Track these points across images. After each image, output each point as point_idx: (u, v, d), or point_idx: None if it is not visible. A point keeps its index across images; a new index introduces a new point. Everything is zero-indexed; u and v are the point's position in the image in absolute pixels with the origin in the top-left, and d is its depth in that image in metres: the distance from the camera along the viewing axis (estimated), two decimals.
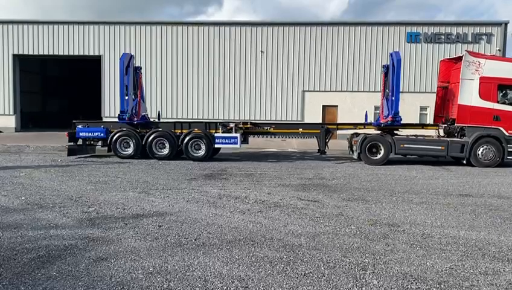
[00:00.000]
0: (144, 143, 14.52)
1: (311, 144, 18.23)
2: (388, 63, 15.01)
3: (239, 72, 25.83)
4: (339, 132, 17.60)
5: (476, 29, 24.88)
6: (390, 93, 14.44)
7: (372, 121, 16.04)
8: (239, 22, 26.58)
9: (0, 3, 67.93)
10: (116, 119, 15.24)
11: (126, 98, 14.95)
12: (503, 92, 13.96)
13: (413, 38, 25.02)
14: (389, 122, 14.40)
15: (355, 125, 15.84)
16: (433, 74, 23.96)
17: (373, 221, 6.58)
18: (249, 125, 15.17)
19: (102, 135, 14.95)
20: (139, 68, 16.52)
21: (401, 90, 14.75)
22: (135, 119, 15.25)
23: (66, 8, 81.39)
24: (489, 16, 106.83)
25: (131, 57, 15.42)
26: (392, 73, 14.35)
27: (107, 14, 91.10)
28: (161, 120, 17.04)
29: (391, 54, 14.72)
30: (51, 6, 79.46)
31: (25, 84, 28.94)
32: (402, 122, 14.63)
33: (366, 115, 15.83)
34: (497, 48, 24.55)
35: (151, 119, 16.57)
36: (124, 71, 14.96)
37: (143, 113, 16.00)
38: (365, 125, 15.54)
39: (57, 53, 26.73)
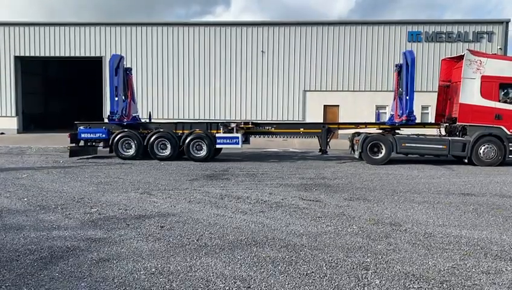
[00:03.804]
0: (145, 144, 14.55)
1: (312, 143, 18.23)
2: (401, 62, 14.92)
3: (240, 72, 25.84)
4: (340, 131, 17.58)
5: (478, 28, 24.82)
6: (404, 93, 14.37)
7: (386, 120, 15.90)
8: (239, 22, 26.64)
9: (4, 3, 68.04)
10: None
11: (116, 99, 14.92)
12: (505, 90, 13.93)
13: (414, 37, 24.98)
14: (403, 121, 14.37)
15: (357, 124, 15.80)
16: (434, 73, 23.88)
17: (375, 220, 6.58)
18: (250, 126, 15.18)
19: (103, 136, 14.98)
20: (129, 69, 16.40)
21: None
22: (125, 120, 15.17)
23: (72, 8, 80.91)
24: (497, 13, 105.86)
25: (121, 58, 15.33)
26: (405, 72, 14.29)
27: (114, 15, 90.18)
28: (152, 120, 16.90)
29: (404, 53, 14.61)
30: (57, 7, 79.21)
31: (27, 86, 28.98)
32: (404, 121, 14.58)
33: (378, 114, 15.76)
34: (499, 47, 24.50)
35: (142, 120, 16.50)
36: (114, 72, 14.89)
37: (134, 114, 15.92)
38: (366, 124, 15.51)
39: (58, 54, 26.79)
